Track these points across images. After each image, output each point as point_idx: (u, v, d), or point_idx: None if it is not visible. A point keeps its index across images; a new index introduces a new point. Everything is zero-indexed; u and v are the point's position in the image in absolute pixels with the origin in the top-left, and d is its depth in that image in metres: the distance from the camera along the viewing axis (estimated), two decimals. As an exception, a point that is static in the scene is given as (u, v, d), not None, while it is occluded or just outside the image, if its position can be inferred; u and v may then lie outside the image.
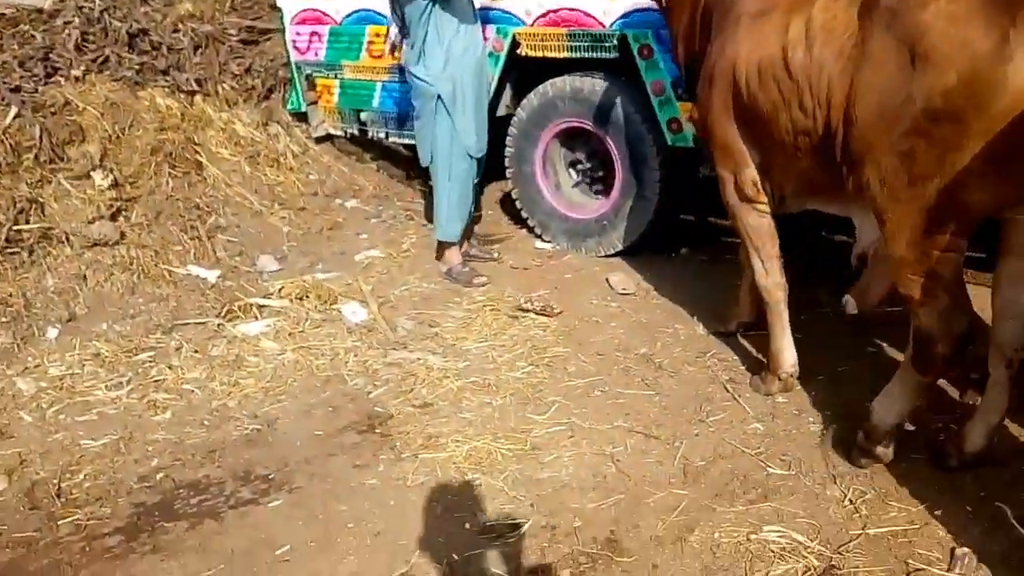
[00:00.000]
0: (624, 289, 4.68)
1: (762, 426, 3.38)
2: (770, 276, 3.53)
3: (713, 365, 3.86)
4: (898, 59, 2.56)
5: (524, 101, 5.14)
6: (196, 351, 4.08)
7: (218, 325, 4.33)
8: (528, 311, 4.45)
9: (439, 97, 4.56)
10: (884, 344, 3.89)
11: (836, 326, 4.07)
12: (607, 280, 4.79)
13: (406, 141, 5.81)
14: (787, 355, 3.54)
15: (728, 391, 3.64)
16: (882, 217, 2.77)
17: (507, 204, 5.90)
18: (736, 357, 3.92)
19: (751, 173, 3.42)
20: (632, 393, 3.67)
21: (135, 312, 4.46)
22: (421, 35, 4.46)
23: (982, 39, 2.37)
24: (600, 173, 5.18)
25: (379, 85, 5.69)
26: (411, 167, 6.55)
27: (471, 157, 4.78)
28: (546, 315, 4.41)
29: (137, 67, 5.50)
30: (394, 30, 4.77)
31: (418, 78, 4.58)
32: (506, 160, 5.32)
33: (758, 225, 3.51)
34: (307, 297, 4.56)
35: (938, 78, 2.43)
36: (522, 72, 5.20)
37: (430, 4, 4.40)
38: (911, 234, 2.65)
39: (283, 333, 4.23)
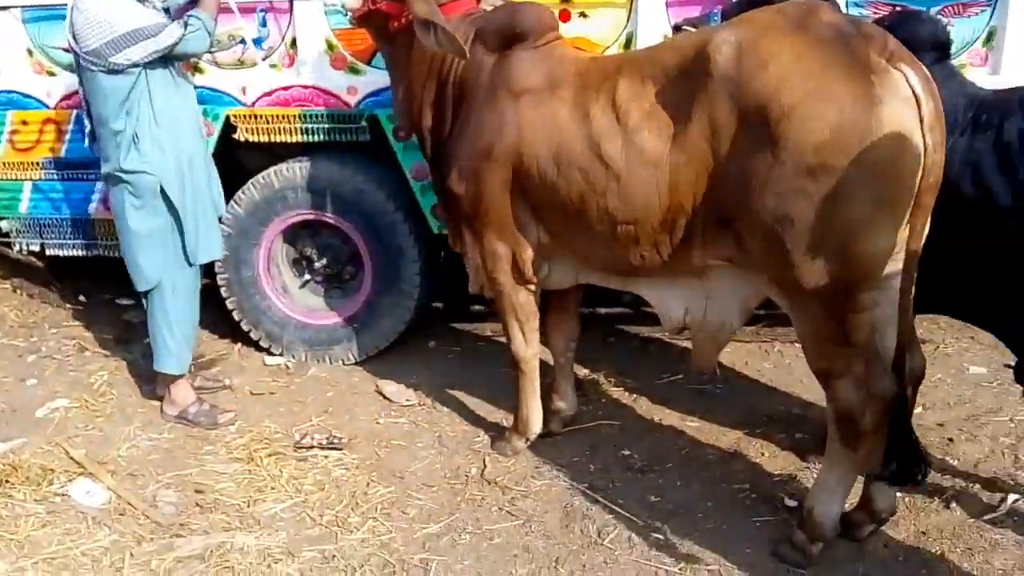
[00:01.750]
0: (407, 400, 4.10)
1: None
2: (530, 347, 3.49)
3: (562, 474, 3.48)
4: (752, 125, 2.52)
5: (239, 194, 4.31)
6: None
7: None
8: (311, 447, 3.69)
9: (161, 189, 3.60)
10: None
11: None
12: (380, 392, 4.17)
13: (71, 254, 4.57)
14: (537, 418, 3.58)
15: (598, 499, 3.28)
16: (783, 294, 2.68)
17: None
18: (580, 456, 3.58)
19: (530, 253, 3.27)
20: (504, 527, 3.16)
21: None
22: (134, 116, 3.51)
23: (846, 88, 2.40)
24: (335, 270, 4.53)
25: (29, 185, 4.42)
26: (56, 280, 5.23)
27: (194, 265, 3.86)
28: (335, 448, 3.69)
29: None
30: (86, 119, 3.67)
31: (129, 171, 3.55)
32: (217, 266, 4.40)
33: (527, 302, 3.42)
34: (9, 483, 3.30)
35: (807, 133, 2.41)
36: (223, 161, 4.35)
37: (143, 73, 3.48)
38: (820, 302, 2.58)
39: (2, 544, 2.98)
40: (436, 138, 3.46)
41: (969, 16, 3.65)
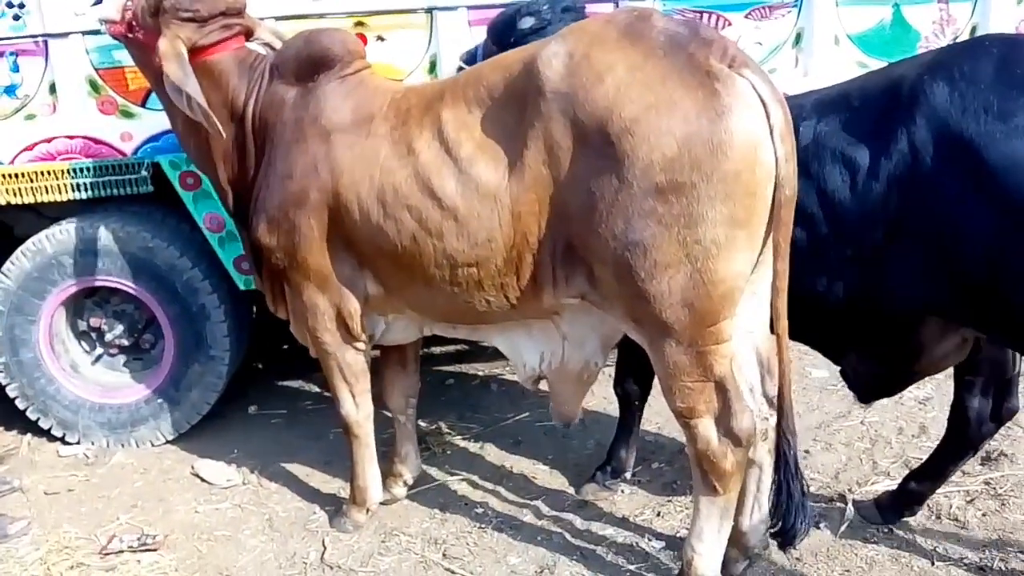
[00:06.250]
0: (228, 480, 3.64)
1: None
2: (361, 410, 3.16)
3: (413, 545, 3.12)
4: (592, 144, 2.29)
5: (8, 265, 3.72)
6: None
7: None
8: (121, 551, 3.18)
9: None
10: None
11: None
12: (197, 475, 3.68)
13: None
14: (375, 486, 3.24)
15: (454, 571, 2.96)
16: (637, 328, 2.45)
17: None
18: (430, 521, 3.25)
19: (357, 307, 2.93)
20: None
21: None
22: None
23: (690, 99, 2.20)
24: (130, 340, 3.98)
25: None
26: None
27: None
28: (149, 549, 3.20)
29: None
30: None
31: None
32: (-10, 349, 3.78)
33: (355, 362, 3.09)
34: None
35: (652, 150, 2.20)
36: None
37: None
38: (677, 335, 2.34)
39: None
40: (240, 187, 3.05)
41: (776, 19, 3.60)
